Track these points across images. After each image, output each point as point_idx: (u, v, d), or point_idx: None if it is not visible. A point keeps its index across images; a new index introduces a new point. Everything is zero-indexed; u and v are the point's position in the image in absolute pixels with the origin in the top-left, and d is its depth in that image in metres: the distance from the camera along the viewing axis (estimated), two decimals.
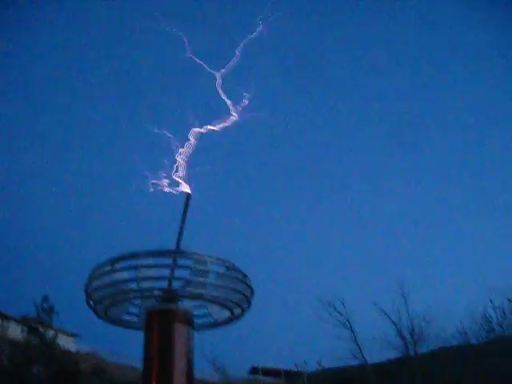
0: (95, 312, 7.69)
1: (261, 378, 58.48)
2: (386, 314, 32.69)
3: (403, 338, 32.46)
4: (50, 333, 40.38)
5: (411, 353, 32.86)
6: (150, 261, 7.20)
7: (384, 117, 76.35)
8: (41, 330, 40.06)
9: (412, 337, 32.19)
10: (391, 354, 36.92)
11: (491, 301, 30.93)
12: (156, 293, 7.48)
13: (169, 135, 7.74)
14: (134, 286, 7.25)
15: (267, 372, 59.88)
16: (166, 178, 7.45)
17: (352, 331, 33.33)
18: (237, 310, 7.82)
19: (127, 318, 8.04)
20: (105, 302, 7.40)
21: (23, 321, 46.11)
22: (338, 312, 33.39)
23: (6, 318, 52.66)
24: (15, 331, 47.77)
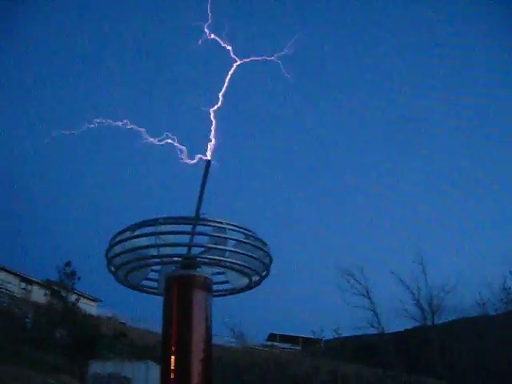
0: (116, 277, 7.78)
1: (278, 344, 59.26)
2: (404, 283, 32.68)
3: (421, 308, 32.46)
4: (73, 297, 41.23)
5: (429, 323, 32.89)
6: (170, 227, 7.25)
7: None
8: (63, 294, 40.89)
9: (430, 307, 32.14)
10: (409, 324, 37.07)
11: (511, 272, 30.76)
12: (175, 259, 7.53)
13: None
14: (153, 252, 7.30)
15: (285, 339, 60.73)
16: (187, 145, 7.41)
17: (370, 300, 33.40)
18: (255, 278, 7.86)
19: (147, 283, 8.13)
20: (125, 267, 7.48)
21: (46, 285, 47.07)
22: (357, 281, 33.46)
23: (30, 281, 53.78)
24: (38, 295, 48.80)
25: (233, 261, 7.30)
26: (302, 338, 58.29)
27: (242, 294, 8.45)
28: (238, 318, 40.63)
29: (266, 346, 56.07)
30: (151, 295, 8.30)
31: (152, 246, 7.19)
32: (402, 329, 40.46)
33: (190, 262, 7.41)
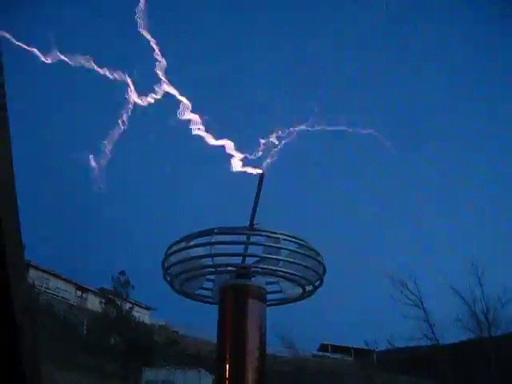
0: (172, 286, 7.92)
1: (330, 354, 58.69)
2: (459, 294, 32.01)
3: (477, 320, 31.69)
4: (127, 305, 42.10)
5: (485, 335, 32.07)
6: (225, 237, 7.35)
7: None
8: (117, 302, 41.79)
9: (487, 319, 31.35)
10: (464, 336, 36.21)
11: None
12: (230, 269, 7.63)
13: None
14: (208, 261, 7.42)
15: (336, 349, 60.01)
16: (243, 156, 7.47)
17: (424, 311, 32.83)
18: (308, 287, 7.87)
19: (202, 292, 8.25)
20: (181, 276, 7.62)
21: (101, 293, 48.19)
22: (410, 291, 32.95)
23: (85, 290, 55.11)
24: (93, 303, 50.03)
25: (286, 270, 7.33)
26: (354, 348, 57.60)
27: (294, 304, 8.47)
28: (290, 328, 40.56)
29: (318, 356, 55.69)
30: (203, 304, 8.41)
31: (207, 256, 7.32)
32: (457, 340, 39.54)
33: (244, 271, 7.50)
